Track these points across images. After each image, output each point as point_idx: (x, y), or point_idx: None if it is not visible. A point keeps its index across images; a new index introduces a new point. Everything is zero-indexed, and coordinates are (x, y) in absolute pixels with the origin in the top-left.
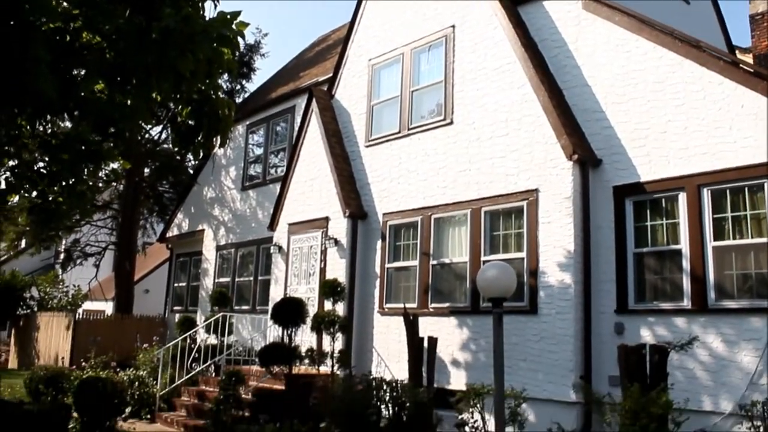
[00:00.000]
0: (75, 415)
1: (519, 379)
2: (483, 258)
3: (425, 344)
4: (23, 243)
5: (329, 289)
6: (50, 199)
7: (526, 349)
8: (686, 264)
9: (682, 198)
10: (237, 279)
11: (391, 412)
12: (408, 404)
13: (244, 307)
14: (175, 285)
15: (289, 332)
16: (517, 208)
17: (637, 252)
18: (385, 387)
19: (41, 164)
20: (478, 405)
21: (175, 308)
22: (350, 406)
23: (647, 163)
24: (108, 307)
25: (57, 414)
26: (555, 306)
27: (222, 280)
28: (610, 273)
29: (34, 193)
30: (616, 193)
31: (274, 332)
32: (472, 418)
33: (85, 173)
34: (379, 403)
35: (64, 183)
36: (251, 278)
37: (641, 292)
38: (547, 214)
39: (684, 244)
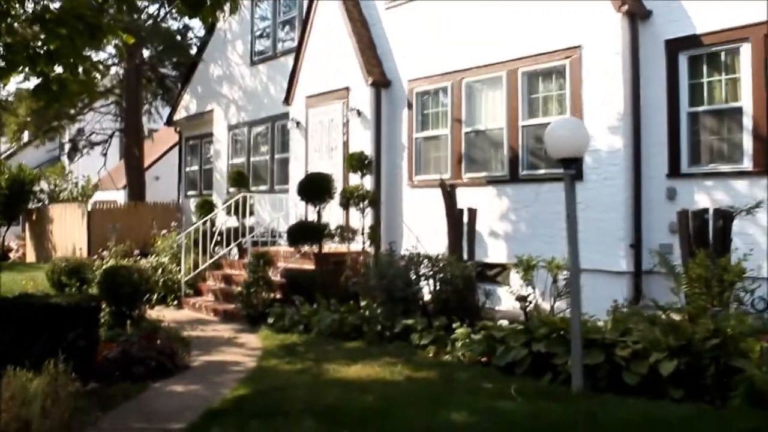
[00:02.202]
0: (102, 305)
1: (563, 249)
2: (521, 123)
3: (464, 217)
4: (26, 135)
5: (356, 162)
6: (52, 77)
7: None
8: (748, 122)
9: (746, 50)
10: (252, 159)
11: (432, 287)
12: (453, 278)
13: (262, 188)
14: (187, 169)
15: (317, 209)
16: (559, 67)
17: (692, 111)
18: (426, 262)
19: (39, 43)
20: (530, 277)
21: (189, 193)
22: (391, 283)
23: (704, 13)
24: (120, 196)
25: (87, 306)
26: (602, 171)
27: (236, 161)
28: (660, 135)
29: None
30: (668, 47)
31: (297, 211)
32: (520, 290)
33: (86, 50)
34: (419, 279)
35: (65, 61)
36: (267, 157)
37: (696, 155)
38: (592, 73)
39: (746, 101)
